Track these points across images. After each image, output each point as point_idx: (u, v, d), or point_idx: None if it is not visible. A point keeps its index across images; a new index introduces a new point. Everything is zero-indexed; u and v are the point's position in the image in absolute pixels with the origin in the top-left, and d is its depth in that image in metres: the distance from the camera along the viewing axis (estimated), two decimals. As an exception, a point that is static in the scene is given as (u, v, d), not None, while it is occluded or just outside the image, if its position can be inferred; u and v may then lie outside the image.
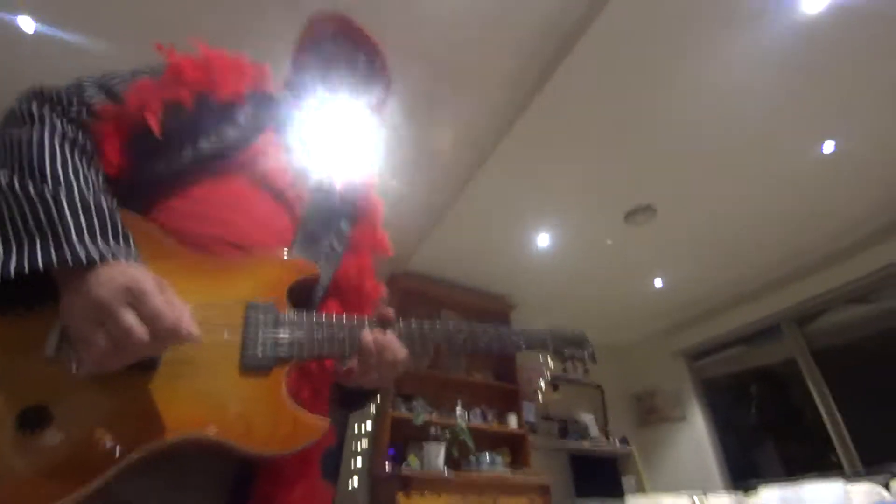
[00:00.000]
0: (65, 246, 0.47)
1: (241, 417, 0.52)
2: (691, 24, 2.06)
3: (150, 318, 0.46)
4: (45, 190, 0.50)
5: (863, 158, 2.74)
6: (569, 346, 0.86)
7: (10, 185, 0.50)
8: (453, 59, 2.29)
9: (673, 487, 3.61)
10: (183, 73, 0.70)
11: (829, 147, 2.68)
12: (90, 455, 0.46)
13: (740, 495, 2.59)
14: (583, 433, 4.03)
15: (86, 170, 0.56)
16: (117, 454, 0.47)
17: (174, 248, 0.59)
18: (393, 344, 0.64)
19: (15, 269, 0.45)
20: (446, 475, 2.95)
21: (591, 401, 4.53)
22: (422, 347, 0.68)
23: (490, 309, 4.22)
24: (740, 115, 2.48)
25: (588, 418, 4.14)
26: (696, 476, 3.83)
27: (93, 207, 0.51)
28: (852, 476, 2.56)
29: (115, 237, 0.51)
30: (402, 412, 3.26)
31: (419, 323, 0.69)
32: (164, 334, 0.47)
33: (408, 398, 3.39)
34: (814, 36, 2.08)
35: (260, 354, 0.56)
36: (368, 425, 3.35)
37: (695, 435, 4.10)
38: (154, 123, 0.64)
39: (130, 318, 0.45)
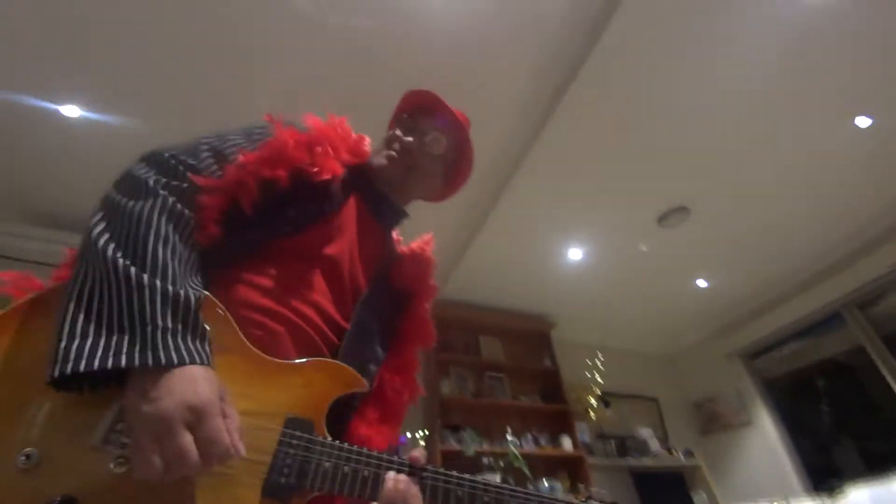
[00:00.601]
0: (149, 348, 0.48)
1: None
2: (709, 11, 2.01)
3: (205, 442, 0.47)
4: (145, 278, 0.52)
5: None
6: None
7: (115, 261, 0.52)
8: (465, 79, 2.31)
9: (748, 497, 3.38)
10: (286, 149, 0.73)
11: (863, 122, 2.57)
12: None
13: (825, 498, 2.40)
14: (642, 449, 3.84)
15: (187, 254, 0.60)
16: None
17: (234, 340, 0.62)
18: (413, 500, 0.61)
19: (99, 365, 0.46)
20: (506, 506, 2.85)
21: (648, 414, 4.33)
22: (444, 502, 0.64)
23: (529, 330, 4.16)
24: (767, 99, 2.40)
25: (646, 433, 3.95)
26: (772, 483, 3.57)
27: (181, 302, 0.53)
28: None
29: (194, 337, 0.53)
30: (452, 445, 3.20)
31: (447, 474, 0.65)
32: (215, 460, 0.48)
33: (455, 429, 3.34)
34: (837, 8, 2.01)
35: (283, 481, 0.56)
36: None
37: (764, 439, 3.84)
38: (247, 204, 0.69)
39: (187, 443, 0.46)
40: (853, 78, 2.32)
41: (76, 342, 0.47)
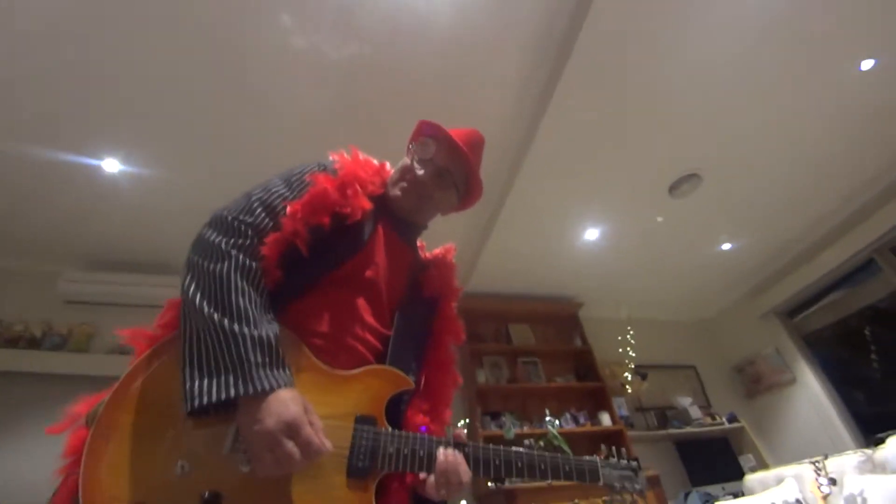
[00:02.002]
0: (248, 381, 0.65)
1: None
2: None
3: (304, 445, 0.65)
4: (235, 327, 0.68)
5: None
6: (620, 479, 0.86)
7: (211, 315, 0.69)
8: (461, 75, 2.39)
9: (798, 457, 3.35)
10: (326, 196, 0.87)
11: (867, 64, 2.51)
12: None
13: (868, 451, 2.39)
14: (684, 418, 3.85)
15: (259, 299, 0.75)
16: None
17: (307, 361, 0.79)
18: (461, 467, 0.78)
19: (216, 398, 0.64)
20: (550, 484, 2.97)
21: (686, 383, 4.33)
22: (485, 468, 0.81)
23: (557, 313, 4.24)
24: (766, 53, 2.36)
25: (686, 401, 3.96)
26: (823, 439, 3.52)
27: (265, 341, 0.69)
28: None
29: (279, 367, 0.70)
30: (493, 430, 3.34)
31: (485, 447, 0.82)
32: (313, 456, 0.66)
33: (495, 415, 3.47)
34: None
35: (360, 465, 0.74)
36: (464, 448, 3.45)
37: (811, 396, 3.78)
38: (304, 248, 0.83)
39: (292, 448, 0.64)
40: (852, 21, 2.27)
41: (196, 383, 0.66)
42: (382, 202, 0.99)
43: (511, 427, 3.29)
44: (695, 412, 3.87)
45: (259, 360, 0.68)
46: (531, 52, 2.34)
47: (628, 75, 2.41)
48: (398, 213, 1.01)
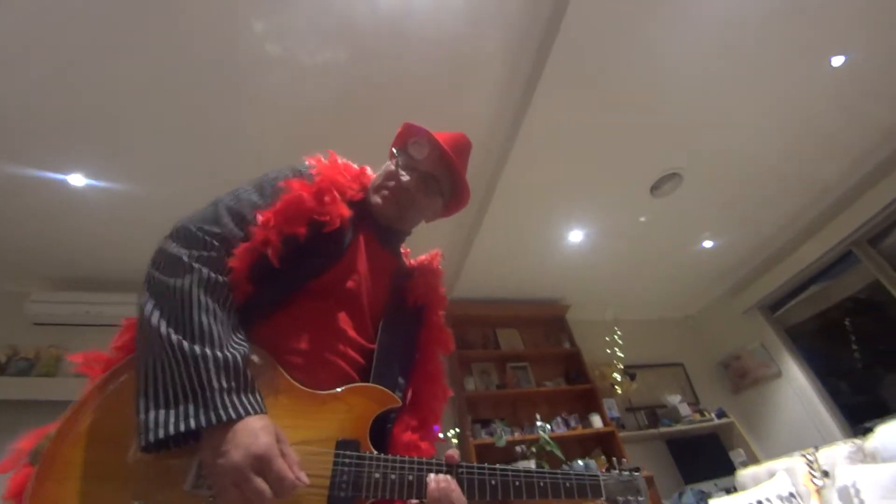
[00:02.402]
0: (211, 409, 0.58)
1: None
2: None
3: (275, 480, 0.57)
4: (196, 349, 0.61)
5: (878, 65, 2.59)
6: (623, 492, 0.82)
7: (168, 336, 0.61)
8: (441, 80, 2.36)
9: (788, 450, 3.37)
10: (302, 203, 0.80)
11: (838, 60, 2.56)
12: None
13: (857, 441, 2.40)
14: (673, 416, 3.86)
15: (226, 317, 0.68)
16: None
17: (283, 381, 0.71)
18: (453, 494, 0.69)
19: (175, 431, 0.57)
20: (543, 490, 2.92)
21: (675, 381, 4.35)
22: (480, 492, 0.73)
23: (545, 316, 4.22)
24: (740, 52, 2.38)
25: (675, 399, 3.97)
26: (811, 432, 3.56)
27: (230, 363, 0.62)
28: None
29: (246, 391, 0.62)
30: (484, 438, 3.28)
31: (480, 467, 0.74)
32: (287, 492, 0.58)
33: (486, 423, 3.42)
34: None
35: (342, 495, 0.66)
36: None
37: (797, 388, 3.82)
38: (274, 259, 0.76)
39: (261, 485, 0.56)
40: (823, 18, 2.31)
41: (152, 414, 0.58)
42: (363, 208, 0.93)
43: (502, 434, 3.24)
44: (684, 409, 3.88)
45: (224, 384, 0.60)
46: (511, 53, 2.32)
47: (608, 77, 2.42)
48: (380, 220, 0.96)
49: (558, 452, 3.13)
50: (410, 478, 0.70)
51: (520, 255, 3.68)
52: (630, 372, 3.97)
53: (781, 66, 2.52)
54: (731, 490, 3.08)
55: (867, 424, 2.56)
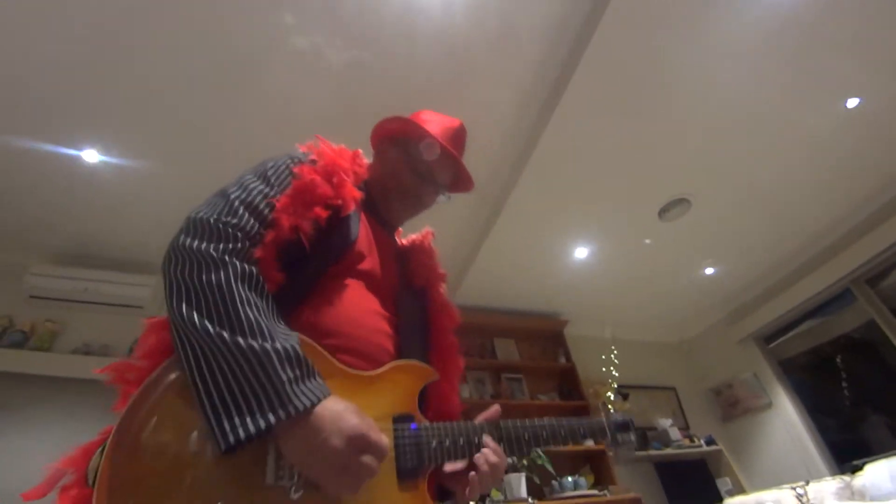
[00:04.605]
0: (287, 402, 0.57)
1: None
2: (695, 4, 2.06)
3: (377, 451, 0.60)
4: (254, 343, 0.59)
5: (890, 110, 2.66)
6: (621, 432, 0.96)
7: (219, 335, 0.59)
8: (462, 87, 2.39)
9: (774, 481, 3.39)
10: (316, 188, 0.80)
11: (852, 102, 2.62)
12: None
13: (846, 478, 2.43)
14: (663, 439, 3.87)
15: (267, 308, 0.66)
16: None
17: (329, 366, 0.71)
18: (501, 460, 0.77)
19: (255, 430, 0.55)
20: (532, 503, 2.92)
21: (667, 404, 4.37)
22: (517, 445, 0.82)
23: (543, 329, 4.23)
24: (759, 88, 2.45)
25: (666, 423, 3.98)
26: (797, 465, 3.59)
27: (290, 352, 0.61)
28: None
29: (311, 376, 0.62)
30: (476, 446, 3.27)
31: (514, 423, 0.83)
32: (384, 458, 0.61)
33: (479, 431, 3.40)
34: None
35: (409, 465, 0.70)
36: (445, 465, 3.37)
37: (786, 421, 3.86)
38: (306, 243, 0.76)
39: (368, 460, 0.59)
40: (841, 60, 2.38)
41: (224, 417, 0.56)
42: (366, 192, 0.94)
43: (494, 444, 3.22)
44: (674, 434, 3.89)
45: (290, 374, 0.60)
46: (535, 70, 2.36)
47: (627, 101, 2.48)
48: (381, 208, 0.99)
49: (549, 467, 3.13)
50: (462, 441, 0.76)
51: (524, 267, 3.69)
52: (623, 392, 3.98)
53: (798, 103, 2.59)
54: (716, 517, 3.10)
55: (856, 462, 2.59)
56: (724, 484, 3.74)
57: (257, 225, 0.73)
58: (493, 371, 3.88)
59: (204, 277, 0.64)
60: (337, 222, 0.82)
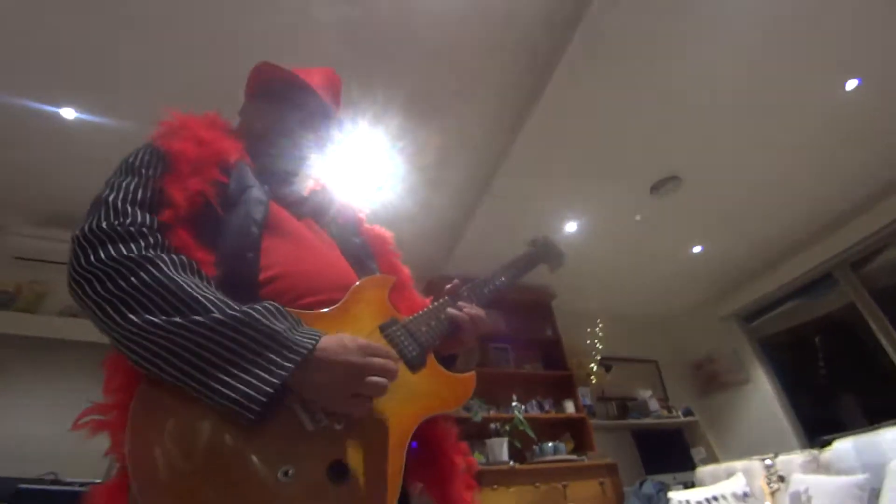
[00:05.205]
0: (295, 346, 0.58)
1: (436, 395, 0.77)
2: None
3: (385, 353, 0.65)
4: (233, 312, 0.58)
5: (887, 94, 2.63)
6: (549, 254, 1.26)
7: (194, 321, 0.56)
8: (453, 61, 2.34)
9: (746, 453, 3.54)
10: (195, 152, 0.76)
11: (851, 84, 2.58)
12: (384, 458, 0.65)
13: (815, 452, 2.54)
14: (642, 409, 4.00)
15: (212, 287, 0.63)
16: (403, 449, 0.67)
17: (304, 316, 0.69)
18: (474, 309, 0.87)
19: (279, 382, 0.55)
20: (513, 466, 3.03)
21: (648, 376, 4.49)
22: (482, 300, 0.93)
23: (531, 301, 4.27)
24: (755, 67, 2.40)
25: (645, 394, 4.11)
26: (770, 439, 3.74)
27: (271, 307, 0.61)
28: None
29: (300, 323, 0.63)
30: (461, 412, 3.36)
31: (475, 284, 0.95)
32: (397, 362, 0.67)
33: (464, 399, 3.49)
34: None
35: (413, 354, 0.77)
36: (430, 430, 3.47)
37: (762, 396, 4.00)
38: (217, 206, 0.73)
39: (381, 362, 0.63)
40: (840, 41, 2.33)
41: (238, 385, 0.54)
42: (246, 143, 0.92)
43: (478, 411, 3.32)
44: (653, 404, 4.02)
45: (284, 324, 0.60)
46: (528, 44, 2.31)
47: (621, 77, 2.43)
48: (267, 157, 0.95)
49: (530, 432, 3.23)
50: (442, 316, 0.84)
51: (513, 240, 3.67)
52: (606, 364, 4.08)
53: (796, 84, 2.54)
54: (688, 484, 3.25)
55: (825, 438, 2.70)
56: (698, 453, 3.91)
57: (149, 215, 0.67)
58: (481, 341, 3.94)
59: (135, 280, 0.58)
60: (228, 176, 0.79)
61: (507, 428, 3.31)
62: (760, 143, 2.92)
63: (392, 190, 3.08)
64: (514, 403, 3.46)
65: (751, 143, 2.91)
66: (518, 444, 3.29)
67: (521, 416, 3.29)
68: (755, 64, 2.40)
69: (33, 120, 2.42)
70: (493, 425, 3.34)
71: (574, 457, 3.33)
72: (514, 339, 4.04)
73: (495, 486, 2.89)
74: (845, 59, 2.43)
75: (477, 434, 3.32)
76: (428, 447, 0.82)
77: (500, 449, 3.15)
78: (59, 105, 2.39)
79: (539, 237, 1.27)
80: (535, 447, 3.34)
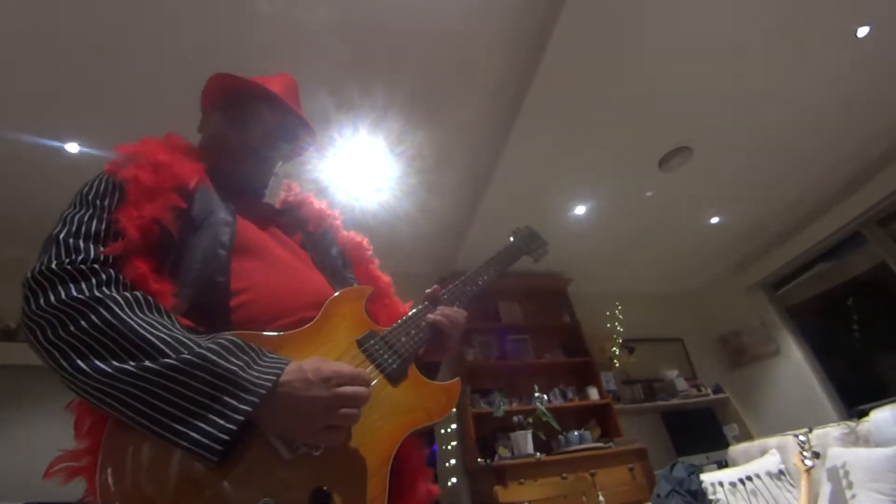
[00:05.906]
0: (251, 388, 0.55)
1: (420, 408, 0.75)
2: None
3: (352, 379, 0.62)
4: (184, 356, 0.55)
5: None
6: (531, 244, 1.24)
7: (144, 367, 0.54)
8: (450, 44, 2.29)
9: (782, 427, 3.42)
10: (151, 179, 0.73)
11: (862, 31, 2.43)
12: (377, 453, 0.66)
13: (851, 423, 2.42)
14: (669, 390, 3.91)
15: (171, 323, 0.61)
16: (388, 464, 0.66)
17: (273, 342, 0.67)
18: (454, 312, 0.86)
19: (236, 426, 0.53)
20: (539, 458, 3.00)
21: (674, 356, 4.38)
22: (466, 301, 0.92)
23: (546, 288, 4.21)
24: (760, 23, 2.27)
25: (672, 374, 4.01)
26: (805, 411, 3.60)
27: (230, 344, 0.59)
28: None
29: (260, 355, 0.60)
30: (482, 407, 3.35)
31: (455, 286, 0.94)
32: (366, 383, 0.63)
33: (485, 393, 3.48)
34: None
35: (393, 367, 0.74)
36: (453, 426, 3.47)
37: (793, 367, 3.85)
38: (173, 230, 0.70)
39: (349, 391, 0.60)
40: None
41: (195, 429, 0.52)
42: (208, 163, 0.87)
43: (500, 405, 3.30)
44: (681, 384, 3.93)
45: (239, 362, 0.57)
46: (520, 13, 2.22)
47: (620, 47, 2.32)
48: (232, 175, 0.91)
49: (554, 423, 3.19)
50: (422, 324, 0.83)
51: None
52: (629, 346, 4.00)
53: (803, 34, 2.39)
54: (722, 464, 3.15)
55: (862, 407, 2.58)
56: (731, 430, 3.80)
57: (102, 249, 0.65)
58: (498, 333, 3.91)
59: (84, 323, 0.56)
60: (190, 202, 0.76)
61: (531, 420, 3.28)
62: (770, 101, 2.76)
63: (393, 189, 3.06)
64: (536, 394, 3.42)
65: (761, 102, 2.75)
66: (543, 436, 3.25)
67: (543, 408, 3.25)
68: (760, 14, 2.24)
69: (39, 156, 2.49)
70: (515, 418, 3.31)
71: (601, 444, 3.28)
72: (532, 329, 3.99)
73: (522, 480, 2.87)
74: (856, 4, 2.28)
75: (502, 428, 3.30)
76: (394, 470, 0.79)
77: (525, 442, 3.12)
78: (64, 140, 2.45)
79: (521, 228, 1.25)
80: (560, 437, 3.30)
